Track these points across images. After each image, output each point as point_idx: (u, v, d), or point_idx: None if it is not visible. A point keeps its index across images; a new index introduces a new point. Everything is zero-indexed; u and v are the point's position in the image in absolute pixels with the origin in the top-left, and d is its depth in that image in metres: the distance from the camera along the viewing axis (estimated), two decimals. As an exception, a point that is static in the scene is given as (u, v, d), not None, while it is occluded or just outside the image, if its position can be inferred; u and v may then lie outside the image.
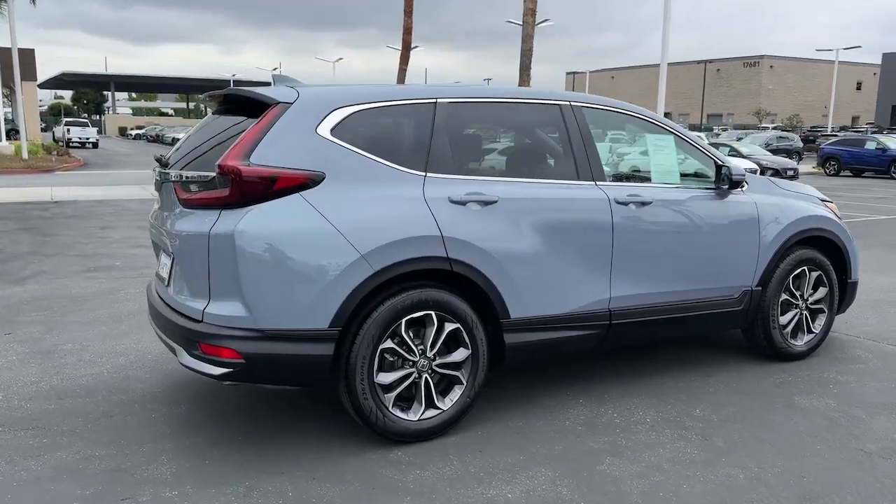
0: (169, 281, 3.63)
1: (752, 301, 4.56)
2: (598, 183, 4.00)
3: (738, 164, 4.55)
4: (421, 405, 3.52)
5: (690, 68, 74.06)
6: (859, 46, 47.07)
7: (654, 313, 4.17)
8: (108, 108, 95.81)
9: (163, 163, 3.76)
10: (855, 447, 3.54)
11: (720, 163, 4.44)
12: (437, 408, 3.56)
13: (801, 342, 4.85)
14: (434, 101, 3.68)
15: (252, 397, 4.14)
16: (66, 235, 10.45)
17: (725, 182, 4.35)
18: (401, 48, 17.84)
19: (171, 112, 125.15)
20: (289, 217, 3.22)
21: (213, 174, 3.25)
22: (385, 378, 3.42)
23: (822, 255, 4.85)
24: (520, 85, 14.00)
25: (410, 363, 3.48)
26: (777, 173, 22.42)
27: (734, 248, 4.46)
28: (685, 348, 5.08)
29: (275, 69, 72.60)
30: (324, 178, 3.30)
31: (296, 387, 3.69)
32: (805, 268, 4.76)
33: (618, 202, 3.99)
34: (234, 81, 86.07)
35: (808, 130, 49.51)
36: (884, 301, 6.53)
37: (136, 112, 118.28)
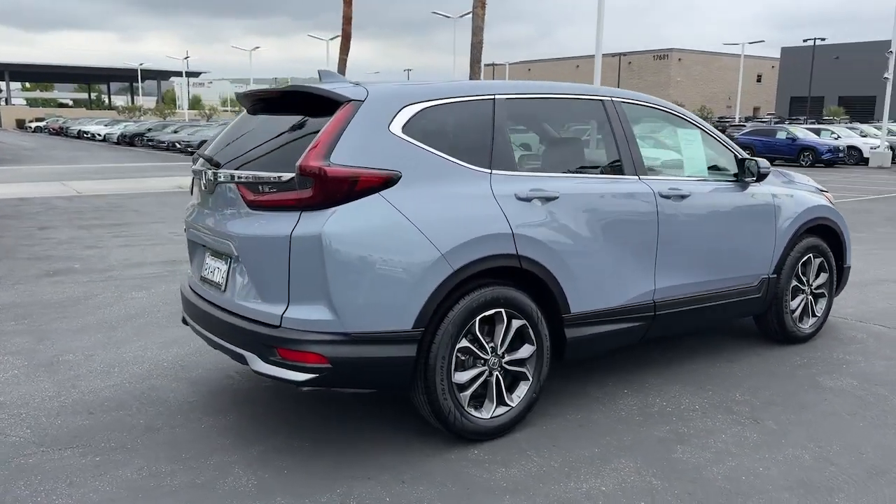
0: (226, 286, 3.48)
1: (770, 288, 4.78)
2: (641, 177, 4.09)
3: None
4: (493, 403, 3.52)
5: (606, 61, 76.17)
6: (762, 41, 49.86)
7: (691, 303, 4.30)
8: (3, 98, 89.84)
9: (213, 162, 3.58)
10: (893, 423, 3.78)
11: (741, 156, 4.62)
12: (507, 404, 3.56)
13: (808, 326, 5.12)
14: (493, 97, 3.67)
15: (291, 402, 4.02)
16: (5, 237, 9.80)
17: (753, 174, 4.53)
18: (340, 38, 17.60)
19: (69, 102, 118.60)
20: (372, 218, 3.15)
21: (291, 175, 3.13)
22: (461, 377, 3.40)
23: (824, 242, 5.13)
24: (471, 78, 14.06)
25: (482, 361, 3.47)
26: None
27: (756, 237, 4.67)
28: (696, 336, 5.27)
29: (186, 57, 70.03)
30: (400, 178, 3.23)
31: (375, 390, 3.59)
32: (811, 255, 5.03)
33: (661, 195, 4.09)
34: (141, 71, 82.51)
35: (718, 121, 51.89)
36: (855, 283, 6.95)
37: (32, 103, 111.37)
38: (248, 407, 3.96)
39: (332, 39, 52.54)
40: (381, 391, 3.66)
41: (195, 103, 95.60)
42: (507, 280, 3.51)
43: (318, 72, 3.86)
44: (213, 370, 4.54)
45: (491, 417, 3.51)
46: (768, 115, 63.46)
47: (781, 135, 29.65)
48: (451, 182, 3.39)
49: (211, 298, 3.61)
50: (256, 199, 3.30)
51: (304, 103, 3.49)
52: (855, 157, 29.32)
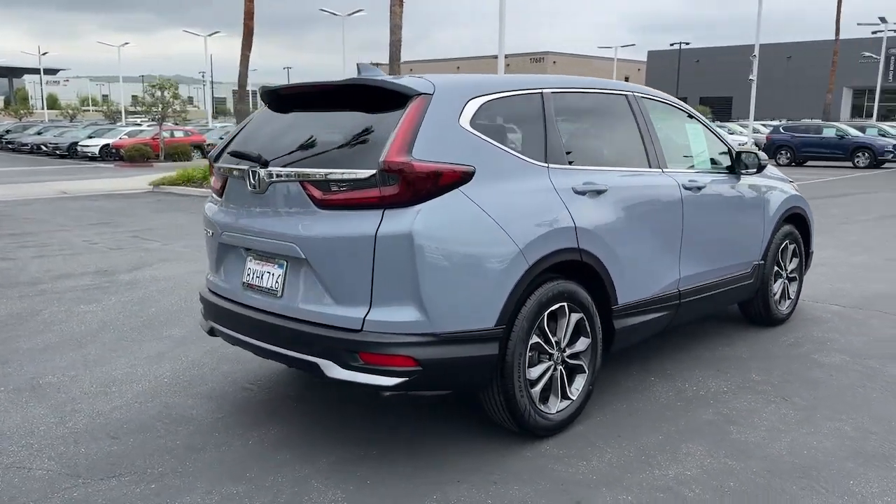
0: (283, 291, 3.27)
1: (759, 273, 5.07)
2: (664, 170, 4.21)
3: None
4: (557, 397, 3.51)
5: (485, 62, 77.88)
6: (633, 44, 52.56)
7: (705, 290, 4.49)
8: None
9: (261, 160, 3.34)
10: (900, 392, 4.11)
11: (736, 149, 4.87)
12: (569, 398, 3.57)
13: (785, 308, 5.47)
14: (540, 91, 3.66)
15: (329, 411, 3.85)
16: None
17: (753, 167, 4.78)
18: (243, 34, 16.87)
19: None
20: (456, 214, 3.06)
21: (371, 171, 2.98)
22: (532, 373, 3.37)
23: (797, 229, 5.50)
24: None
25: (548, 356, 3.46)
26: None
27: (752, 226, 4.94)
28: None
29: (45, 53, 64.98)
30: (475, 173, 3.15)
31: (454, 391, 3.45)
32: (787, 241, 5.37)
33: (685, 188, 4.24)
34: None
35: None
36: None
37: None
38: (285, 419, 3.73)
39: (210, 35, 50.39)
40: (457, 392, 3.56)
41: (52, 103, 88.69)
42: (568, 274, 3.51)
43: (358, 65, 3.70)
44: (225, 383, 4.25)
45: (556, 412, 3.50)
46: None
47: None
48: (517, 176, 3.35)
49: (261, 305, 3.38)
50: (328, 198, 3.10)
51: (363, 97, 3.33)
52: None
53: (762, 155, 4.86)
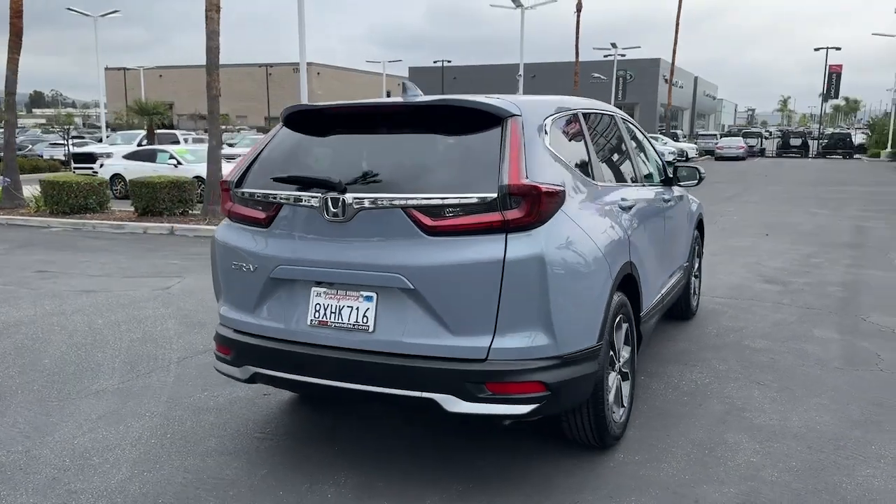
0: (375, 325, 3.02)
1: (687, 274, 5.65)
2: (644, 184, 4.55)
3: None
4: (620, 406, 3.64)
5: (247, 70, 75.28)
6: (400, 60, 54.15)
7: (670, 293, 4.92)
8: None
9: (339, 186, 3.05)
10: (857, 370, 4.82)
11: (670, 162, 5.39)
12: (623, 405, 3.71)
13: (695, 303, 6.16)
14: (577, 111, 3.78)
15: (345, 427, 3.60)
16: None
17: (693, 179, 5.30)
18: (10, 34, 14.46)
19: None
20: (568, 234, 3.06)
21: (492, 195, 2.88)
22: (611, 385, 3.47)
23: (699, 233, 6.22)
24: (209, 84, 12.90)
25: (611, 367, 3.57)
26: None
27: (686, 232, 5.51)
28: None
29: None
30: (566, 192, 3.18)
31: (564, 410, 3.31)
32: (695, 245, 6.06)
33: (663, 200, 4.62)
34: None
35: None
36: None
37: None
38: (341, 462, 3.42)
39: None
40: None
41: None
42: (622, 287, 3.66)
43: (403, 84, 3.53)
44: (231, 437, 3.78)
45: (620, 420, 3.62)
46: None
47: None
48: (586, 195, 3.42)
49: (343, 343, 3.07)
50: (439, 224, 2.93)
51: (442, 118, 3.21)
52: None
53: (701, 168, 5.43)
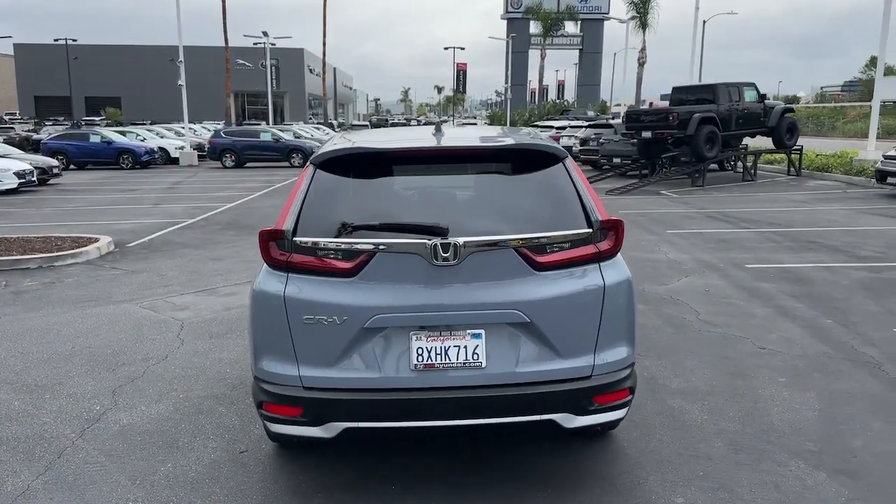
0: (487, 360, 3.11)
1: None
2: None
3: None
4: None
5: None
6: (10, 36, 46.11)
7: None
8: None
9: (442, 231, 3.07)
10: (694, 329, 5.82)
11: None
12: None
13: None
14: None
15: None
16: None
17: None
18: None
19: None
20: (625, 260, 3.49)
21: (587, 230, 3.19)
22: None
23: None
24: None
25: None
26: (44, 172, 21.32)
27: None
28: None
29: None
30: None
31: None
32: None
33: None
34: None
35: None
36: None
37: None
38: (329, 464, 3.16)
39: None
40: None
41: None
42: None
43: (438, 125, 3.49)
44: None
45: None
46: (6, 115, 59.49)
47: (96, 138, 29.13)
48: None
49: (452, 383, 3.11)
50: (548, 260, 3.16)
51: (504, 158, 3.43)
52: (164, 158, 31.26)
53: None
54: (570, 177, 3.32)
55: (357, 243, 3.09)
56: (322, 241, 3.12)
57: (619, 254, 3.34)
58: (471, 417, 3.13)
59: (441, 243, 3.03)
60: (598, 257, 3.22)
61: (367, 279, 3.10)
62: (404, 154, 3.32)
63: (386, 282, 3.10)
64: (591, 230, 3.19)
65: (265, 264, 3.26)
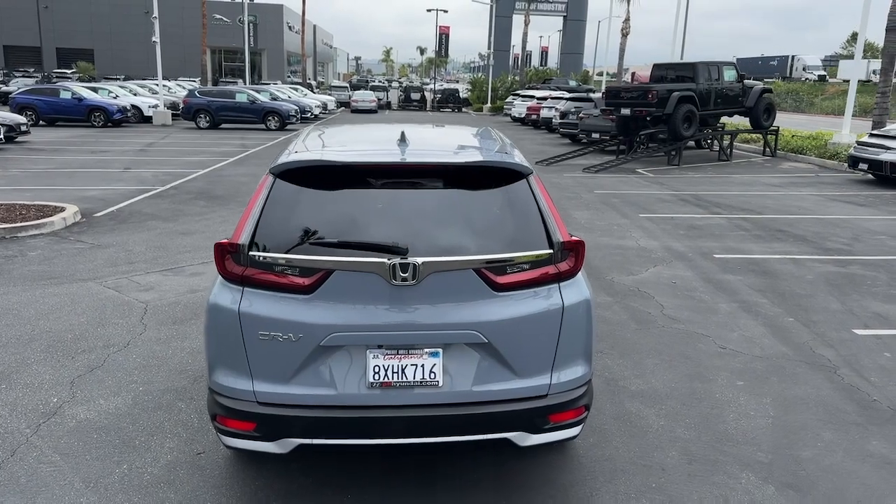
0: (442, 380, 3.11)
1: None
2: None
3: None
4: None
5: None
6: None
7: None
8: None
9: (400, 250, 3.00)
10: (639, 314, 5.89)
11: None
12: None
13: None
14: None
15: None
16: None
17: None
18: None
19: None
20: (585, 278, 3.48)
21: (548, 251, 3.17)
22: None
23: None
24: None
25: None
26: (11, 129, 20.82)
27: None
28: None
29: None
30: None
31: None
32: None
33: None
34: None
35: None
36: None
37: None
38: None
39: None
40: None
41: None
42: None
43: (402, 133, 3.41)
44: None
45: None
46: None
47: (66, 95, 28.38)
48: None
49: (410, 401, 3.10)
50: (508, 281, 3.14)
51: (463, 174, 3.31)
52: (137, 116, 30.62)
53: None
54: (534, 195, 3.27)
55: (314, 261, 3.02)
56: (279, 256, 3.05)
57: (579, 273, 3.32)
58: (426, 436, 3.12)
59: (400, 263, 2.98)
60: (558, 278, 3.21)
61: (324, 297, 3.05)
62: (366, 168, 3.22)
63: (344, 300, 3.05)
64: (552, 251, 3.17)
65: (220, 276, 3.20)
